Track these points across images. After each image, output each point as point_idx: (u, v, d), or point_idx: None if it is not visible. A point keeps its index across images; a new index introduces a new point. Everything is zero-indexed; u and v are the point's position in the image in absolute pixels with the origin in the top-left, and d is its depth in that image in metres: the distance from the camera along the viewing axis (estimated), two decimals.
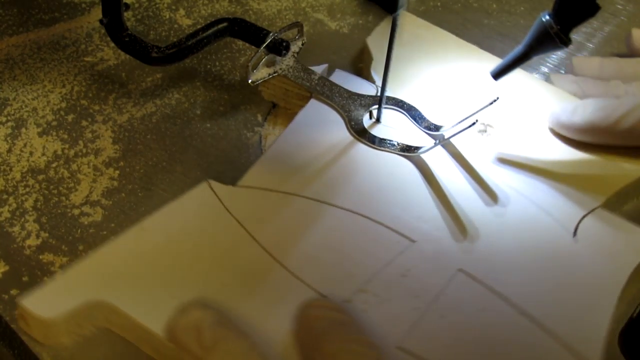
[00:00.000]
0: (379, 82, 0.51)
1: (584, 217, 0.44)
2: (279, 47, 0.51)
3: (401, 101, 0.50)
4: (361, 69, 0.56)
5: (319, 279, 0.39)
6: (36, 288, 0.38)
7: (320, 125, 0.48)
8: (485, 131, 0.49)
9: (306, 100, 0.50)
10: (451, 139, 0.47)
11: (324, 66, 0.53)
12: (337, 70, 0.53)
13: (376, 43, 0.55)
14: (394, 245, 0.42)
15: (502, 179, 0.46)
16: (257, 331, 0.37)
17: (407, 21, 0.57)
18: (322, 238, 0.42)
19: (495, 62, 0.49)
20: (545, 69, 0.58)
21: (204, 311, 0.35)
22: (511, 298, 0.40)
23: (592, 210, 0.44)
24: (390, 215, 0.43)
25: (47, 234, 0.44)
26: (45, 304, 0.37)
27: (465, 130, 0.45)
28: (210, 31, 0.51)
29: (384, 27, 0.56)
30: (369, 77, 0.53)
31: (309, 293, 0.39)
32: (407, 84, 0.52)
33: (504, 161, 0.47)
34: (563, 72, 0.57)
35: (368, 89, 0.51)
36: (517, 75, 0.53)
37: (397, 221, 0.43)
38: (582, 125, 0.47)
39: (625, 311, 0.41)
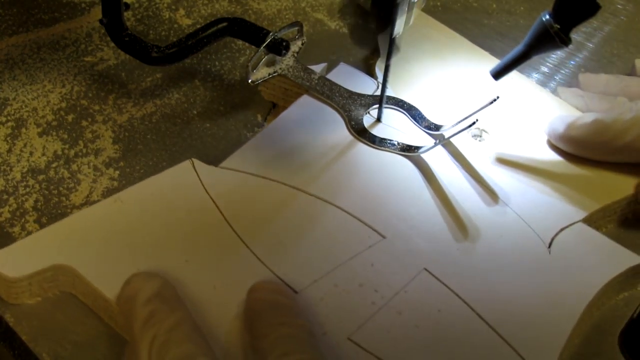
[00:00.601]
0: (381, 79, 0.51)
1: (561, 230, 0.44)
2: (278, 47, 0.51)
3: (401, 101, 0.50)
4: (371, 65, 0.56)
5: (282, 264, 0.40)
6: (4, 248, 0.39)
7: (318, 124, 0.48)
8: (480, 136, 0.49)
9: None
10: (451, 139, 0.47)
11: (322, 65, 0.53)
12: (341, 63, 0.53)
13: (386, 41, 0.55)
14: (363, 239, 0.42)
15: (501, 180, 0.46)
16: (210, 309, 0.37)
17: (421, 21, 0.57)
18: (293, 225, 0.42)
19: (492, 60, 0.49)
20: (546, 69, 0.58)
21: (145, 283, 0.36)
22: (472, 302, 0.40)
23: (571, 225, 0.44)
24: (367, 210, 0.43)
25: None
26: (11, 263, 0.38)
27: (465, 130, 0.45)
28: (210, 31, 0.51)
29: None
30: (373, 74, 0.53)
31: (269, 276, 0.40)
32: (408, 83, 0.52)
33: (499, 162, 0.47)
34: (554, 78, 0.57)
35: (368, 84, 0.52)
36: (524, 83, 0.53)
37: (372, 216, 0.43)
38: (577, 138, 0.47)
39: (586, 330, 0.41)
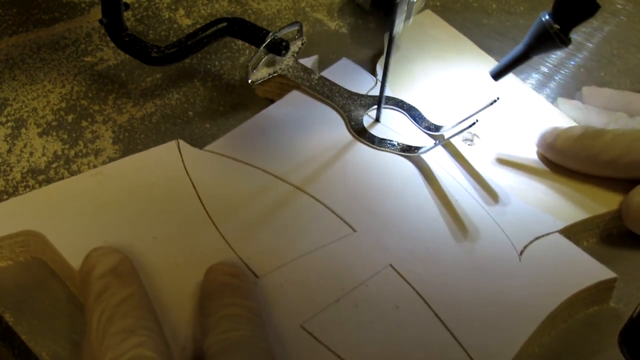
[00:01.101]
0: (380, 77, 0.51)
1: (535, 238, 0.44)
2: (278, 47, 0.51)
3: (401, 101, 0.50)
4: (375, 62, 0.55)
5: (248, 248, 0.41)
6: None
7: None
8: (471, 140, 0.49)
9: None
10: (451, 139, 0.47)
11: (313, 57, 0.53)
12: (343, 58, 0.53)
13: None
14: (334, 231, 0.42)
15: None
16: (169, 287, 0.38)
17: (427, 20, 0.57)
18: (266, 211, 0.43)
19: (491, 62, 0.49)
20: (545, 69, 0.58)
21: (103, 257, 0.37)
22: (432, 302, 0.39)
23: (547, 235, 0.44)
24: (343, 203, 0.44)
25: None
26: None
27: (465, 131, 0.45)
28: (209, 31, 0.51)
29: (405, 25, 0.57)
30: (374, 71, 0.53)
31: (232, 259, 0.40)
32: (408, 84, 0.52)
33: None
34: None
35: (367, 80, 0.52)
36: (523, 90, 0.53)
37: (346, 209, 0.43)
38: (563, 149, 0.47)
39: (550, 339, 0.41)
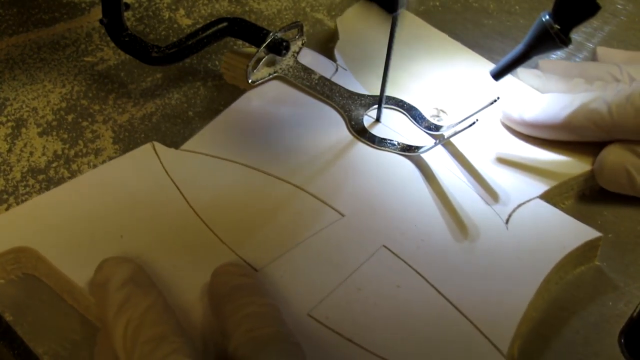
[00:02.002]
0: (341, 62, 0.53)
1: (518, 206, 0.45)
2: (279, 47, 0.51)
3: (401, 101, 0.50)
4: (331, 49, 0.56)
5: (242, 243, 0.41)
6: None
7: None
8: (438, 116, 0.50)
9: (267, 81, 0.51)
10: (451, 139, 0.47)
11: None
12: (304, 48, 0.53)
13: (345, 24, 0.56)
14: (322, 217, 0.43)
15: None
16: (174, 291, 0.38)
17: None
18: (253, 205, 0.43)
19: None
20: None
21: (117, 268, 0.36)
22: (431, 278, 0.40)
23: (528, 201, 0.45)
24: (327, 190, 0.44)
25: None
26: None
27: (465, 130, 0.45)
28: (210, 31, 0.51)
29: (357, 9, 0.58)
30: (332, 57, 0.53)
31: (230, 256, 0.40)
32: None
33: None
34: None
35: (327, 66, 0.52)
36: (482, 64, 0.54)
37: (331, 195, 0.44)
38: (530, 121, 0.48)
39: (545, 302, 0.42)
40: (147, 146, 0.45)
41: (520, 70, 0.54)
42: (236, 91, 0.54)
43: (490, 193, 0.45)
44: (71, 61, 0.55)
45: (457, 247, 0.42)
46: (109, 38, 0.52)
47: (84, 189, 0.42)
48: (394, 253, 0.41)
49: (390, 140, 0.48)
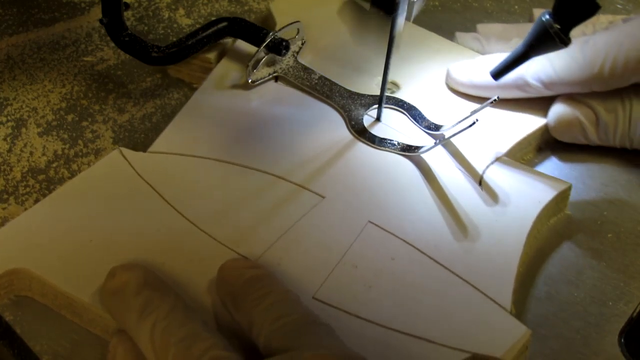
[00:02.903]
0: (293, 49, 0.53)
1: (487, 167, 0.46)
2: (279, 47, 0.51)
3: (401, 101, 0.50)
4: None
5: (232, 237, 0.41)
6: None
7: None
8: (391, 89, 0.51)
9: (209, 72, 0.51)
10: (451, 139, 0.47)
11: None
12: (239, 40, 0.53)
13: (280, 8, 0.56)
14: (304, 202, 0.43)
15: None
16: (179, 291, 0.37)
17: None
18: (233, 198, 0.43)
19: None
20: None
21: (130, 273, 0.36)
22: (422, 247, 0.41)
23: (495, 160, 0.46)
24: (303, 174, 0.44)
25: None
26: None
27: (466, 130, 0.45)
28: (210, 31, 0.51)
29: None
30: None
31: (224, 251, 0.40)
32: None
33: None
34: None
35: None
36: (422, 34, 0.55)
37: (309, 179, 0.44)
38: (479, 84, 0.50)
39: (533, 254, 0.44)
40: (115, 153, 0.45)
41: (459, 35, 0.55)
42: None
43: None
44: (71, 61, 0.55)
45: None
46: (109, 38, 0.52)
47: (62, 204, 0.42)
48: (381, 227, 0.42)
49: (390, 140, 0.48)
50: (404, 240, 0.42)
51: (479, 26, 0.57)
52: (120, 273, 0.36)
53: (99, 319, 0.38)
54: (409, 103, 0.50)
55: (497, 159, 0.47)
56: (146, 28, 0.58)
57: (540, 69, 0.47)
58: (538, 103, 0.50)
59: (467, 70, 0.50)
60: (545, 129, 0.50)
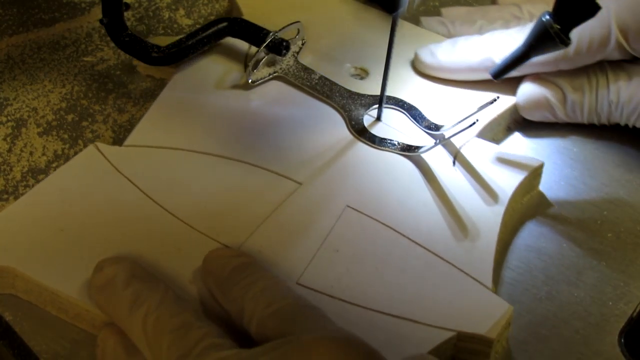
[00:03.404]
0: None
1: (460, 148, 0.47)
2: (279, 47, 0.51)
3: (401, 100, 0.50)
4: None
5: (212, 226, 0.41)
6: None
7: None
8: (359, 76, 0.52)
9: (180, 67, 0.52)
10: (451, 139, 0.47)
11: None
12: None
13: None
14: (281, 189, 0.43)
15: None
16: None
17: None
18: (211, 189, 0.43)
19: None
20: None
21: (117, 266, 0.36)
22: (400, 228, 0.42)
23: (466, 142, 0.47)
24: (279, 160, 0.45)
25: None
26: None
27: (466, 130, 0.45)
28: (210, 31, 0.51)
29: None
30: None
31: (205, 241, 0.40)
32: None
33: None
34: None
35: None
36: (387, 19, 0.55)
37: (285, 165, 0.45)
38: (448, 66, 0.51)
39: (508, 232, 0.45)
40: (91, 148, 0.45)
41: (424, 19, 0.56)
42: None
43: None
44: (71, 61, 0.55)
45: (417, 197, 0.44)
46: (109, 38, 0.52)
47: (41, 200, 0.42)
48: (358, 211, 0.42)
49: (390, 140, 0.48)
50: (383, 223, 0.42)
51: (444, 10, 0.57)
52: (108, 266, 0.36)
53: (85, 313, 0.38)
54: (409, 103, 0.50)
55: (468, 141, 0.48)
56: (146, 28, 0.58)
57: (506, 50, 0.48)
58: (506, 83, 0.50)
59: (435, 54, 0.51)
60: (514, 109, 0.51)
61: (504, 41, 0.49)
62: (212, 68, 0.52)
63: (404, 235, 0.41)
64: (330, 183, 0.44)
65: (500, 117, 0.50)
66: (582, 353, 0.40)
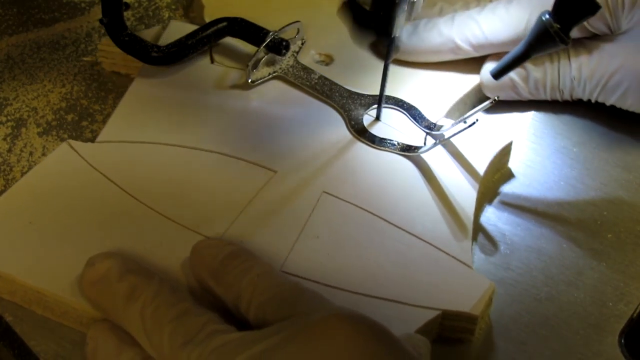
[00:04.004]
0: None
1: (432, 127, 0.48)
2: (278, 47, 0.51)
3: (401, 100, 0.50)
4: (194, 18, 0.57)
5: (192, 219, 0.41)
6: None
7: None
8: (324, 61, 0.52)
9: None
10: (451, 139, 0.47)
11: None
12: (171, 20, 0.54)
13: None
14: (257, 178, 0.44)
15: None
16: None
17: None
18: (188, 181, 0.43)
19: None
20: None
21: (109, 261, 0.36)
22: (377, 212, 0.42)
23: (439, 120, 0.48)
24: (249, 150, 0.45)
25: None
26: None
27: (465, 130, 0.45)
28: (210, 30, 0.51)
29: None
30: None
31: (186, 233, 0.41)
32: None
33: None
34: None
35: None
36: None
37: (259, 154, 0.45)
38: (412, 49, 0.52)
39: (481, 208, 0.46)
40: (64, 145, 0.45)
41: None
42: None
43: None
44: (71, 61, 0.55)
45: (393, 179, 0.45)
46: (109, 38, 0.52)
47: (17, 201, 0.42)
48: (335, 196, 0.43)
49: (390, 140, 0.48)
50: (361, 207, 0.42)
51: None
52: (100, 262, 0.36)
53: (72, 310, 0.38)
54: (408, 103, 0.50)
55: (440, 120, 0.48)
56: (146, 28, 0.58)
57: (468, 32, 0.49)
58: (471, 62, 0.51)
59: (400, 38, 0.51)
60: (478, 88, 0.52)
61: (465, 22, 0.50)
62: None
63: (382, 218, 0.42)
64: (305, 170, 0.44)
65: (466, 96, 0.51)
66: (582, 354, 0.40)
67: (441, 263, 0.40)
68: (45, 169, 0.44)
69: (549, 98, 0.51)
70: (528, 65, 0.49)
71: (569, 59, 0.49)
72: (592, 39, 0.49)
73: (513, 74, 0.49)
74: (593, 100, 0.50)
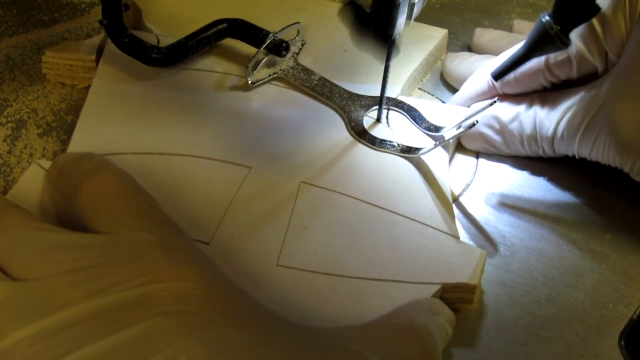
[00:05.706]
0: (157, 31, 0.53)
1: (389, 109, 0.50)
2: (279, 48, 0.51)
3: (401, 102, 0.50)
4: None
5: (178, 223, 0.41)
6: None
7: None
8: (295, 52, 0.53)
9: (93, 71, 0.51)
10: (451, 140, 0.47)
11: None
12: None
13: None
14: (234, 175, 0.44)
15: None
16: None
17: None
18: (165, 187, 0.43)
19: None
20: None
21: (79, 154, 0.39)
22: (360, 196, 0.43)
23: (397, 96, 0.50)
24: (221, 149, 0.45)
25: None
26: None
27: (465, 131, 0.45)
28: (210, 32, 0.51)
29: None
30: (144, 29, 0.54)
31: None
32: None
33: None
34: None
35: (148, 38, 0.52)
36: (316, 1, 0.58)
37: (232, 152, 0.45)
38: (450, 73, 0.54)
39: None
40: (33, 167, 0.43)
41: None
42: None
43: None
44: None
45: (369, 162, 0.45)
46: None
47: None
48: (314, 185, 0.43)
49: (390, 141, 0.48)
50: (340, 192, 0.43)
51: (477, 30, 0.58)
52: (63, 155, 0.40)
53: None
54: (408, 104, 0.50)
55: (397, 96, 0.51)
56: None
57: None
58: None
59: (449, 60, 0.54)
60: (427, 61, 0.54)
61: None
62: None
63: (365, 201, 0.42)
64: (280, 163, 0.44)
65: (417, 71, 0.54)
66: (582, 355, 0.40)
67: (431, 238, 0.41)
68: (19, 193, 0.42)
69: (531, 154, 0.48)
70: (502, 119, 0.48)
71: (542, 114, 0.46)
72: (563, 92, 0.46)
73: (484, 128, 0.48)
74: (577, 157, 0.46)
